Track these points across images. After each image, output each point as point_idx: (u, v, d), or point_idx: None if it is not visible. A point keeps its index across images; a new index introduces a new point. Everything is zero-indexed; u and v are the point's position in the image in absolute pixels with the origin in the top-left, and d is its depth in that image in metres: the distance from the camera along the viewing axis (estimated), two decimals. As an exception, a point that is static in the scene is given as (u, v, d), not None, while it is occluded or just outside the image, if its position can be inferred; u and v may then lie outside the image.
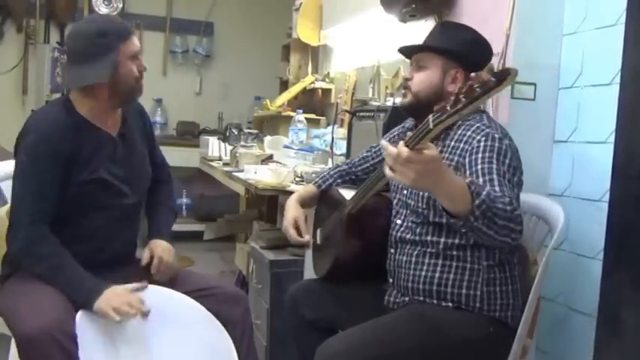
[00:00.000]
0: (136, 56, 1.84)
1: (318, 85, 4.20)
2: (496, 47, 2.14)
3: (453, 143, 1.73)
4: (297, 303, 1.97)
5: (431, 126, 1.28)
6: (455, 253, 1.71)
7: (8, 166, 2.21)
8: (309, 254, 2.48)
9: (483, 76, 1.20)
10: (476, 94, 1.21)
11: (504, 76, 1.19)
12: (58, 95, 5.09)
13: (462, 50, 1.79)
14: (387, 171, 1.38)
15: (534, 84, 2.10)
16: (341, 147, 2.99)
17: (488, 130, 1.70)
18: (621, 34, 1.72)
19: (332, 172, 2.11)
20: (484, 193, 1.45)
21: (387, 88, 3.20)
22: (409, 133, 1.36)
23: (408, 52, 1.91)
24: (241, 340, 1.85)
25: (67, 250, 1.76)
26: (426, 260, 1.73)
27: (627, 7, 1.71)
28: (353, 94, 3.73)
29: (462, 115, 1.25)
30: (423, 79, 1.80)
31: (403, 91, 1.85)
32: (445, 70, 1.79)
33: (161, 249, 1.95)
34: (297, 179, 2.72)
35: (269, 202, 3.33)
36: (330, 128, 3.46)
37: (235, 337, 1.84)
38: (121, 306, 1.67)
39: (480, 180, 1.58)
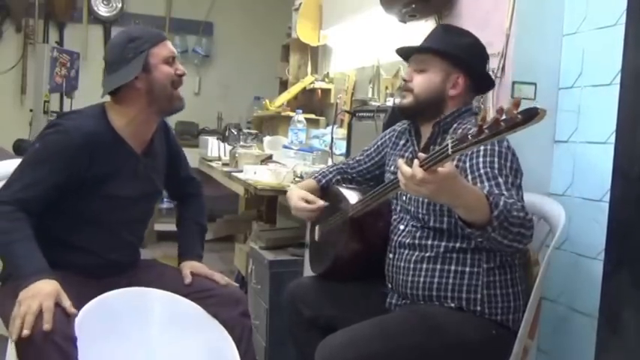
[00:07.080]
0: (171, 61, 1.84)
1: (318, 85, 4.20)
2: (496, 47, 2.15)
3: None
4: (296, 300, 1.96)
5: (449, 152, 1.28)
6: (455, 255, 1.70)
7: (8, 166, 2.21)
8: (308, 254, 2.47)
9: (511, 111, 1.17)
10: (500, 129, 1.19)
11: (533, 114, 1.15)
12: (56, 95, 5.09)
13: (466, 56, 1.77)
14: (402, 186, 1.39)
15: (534, 84, 2.10)
16: (340, 147, 2.99)
17: None
18: (621, 34, 1.71)
19: (331, 169, 2.11)
20: (501, 203, 1.45)
21: (386, 88, 3.19)
22: (421, 155, 1.35)
23: (407, 53, 1.88)
24: (240, 342, 1.84)
25: (31, 233, 1.66)
26: (424, 266, 1.72)
27: (627, 7, 1.70)
28: (352, 94, 3.73)
29: (481, 144, 1.24)
30: (425, 82, 1.77)
31: (403, 93, 1.82)
32: (447, 74, 1.77)
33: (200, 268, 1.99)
34: (296, 179, 2.71)
35: (268, 203, 3.32)
36: (329, 128, 3.45)
37: (234, 338, 1.83)
38: (28, 305, 1.53)
39: (486, 185, 1.57)
